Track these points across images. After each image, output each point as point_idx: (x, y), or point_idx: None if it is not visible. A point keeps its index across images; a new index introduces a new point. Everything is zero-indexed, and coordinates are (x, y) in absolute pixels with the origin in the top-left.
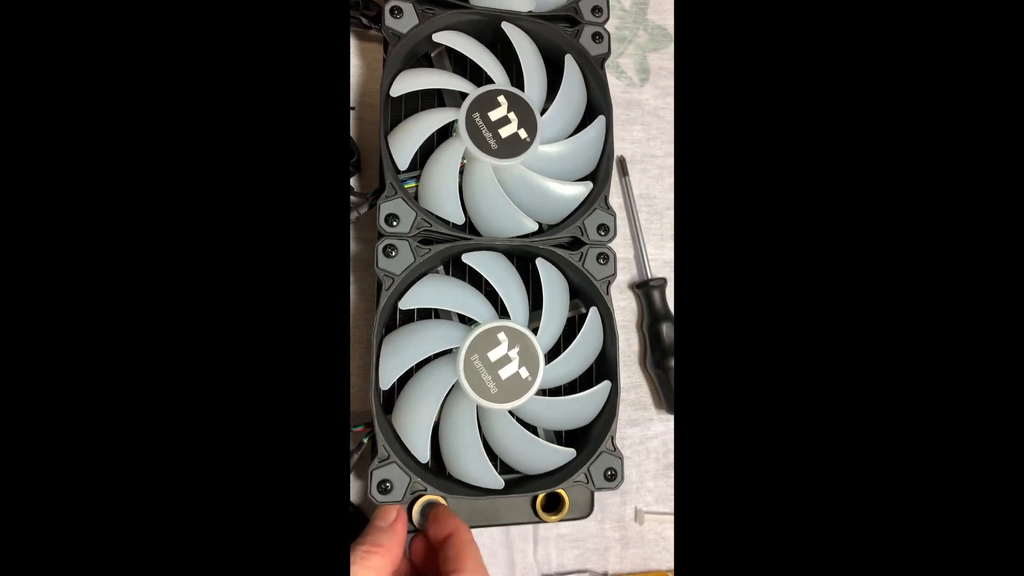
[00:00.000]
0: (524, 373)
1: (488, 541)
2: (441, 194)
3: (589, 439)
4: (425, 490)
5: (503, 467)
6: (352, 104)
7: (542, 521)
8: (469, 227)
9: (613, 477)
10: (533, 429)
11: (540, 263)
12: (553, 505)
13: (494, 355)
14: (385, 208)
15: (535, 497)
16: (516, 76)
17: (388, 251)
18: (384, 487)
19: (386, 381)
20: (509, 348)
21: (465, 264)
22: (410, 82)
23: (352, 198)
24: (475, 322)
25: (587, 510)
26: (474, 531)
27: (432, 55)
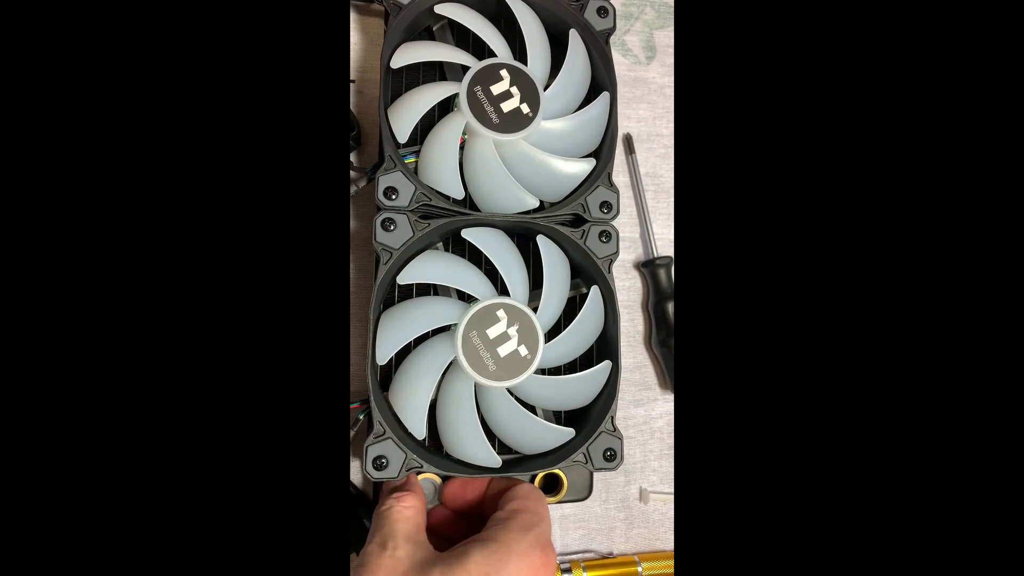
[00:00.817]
0: (523, 351)
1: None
2: (441, 169)
3: (588, 419)
4: (422, 467)
5: (500, 446)
6: (352, 78)
7: None
8: (469, 203)
9: (612, 457)
10: (532, 409)
11: (541, 240)
12: (551, 486)
13: (493, 332)
14: (384, 181)
15: (533, 477)
16: (519, 51)
17: (387, 224)
18: (380, 463)
19: (383, 356)
20: (508, 325)
21: (465, 240)
22: (411, 54)
23: (351, 172)
24: (474, 299)
25: (585, 492)
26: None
27: (434, 28)
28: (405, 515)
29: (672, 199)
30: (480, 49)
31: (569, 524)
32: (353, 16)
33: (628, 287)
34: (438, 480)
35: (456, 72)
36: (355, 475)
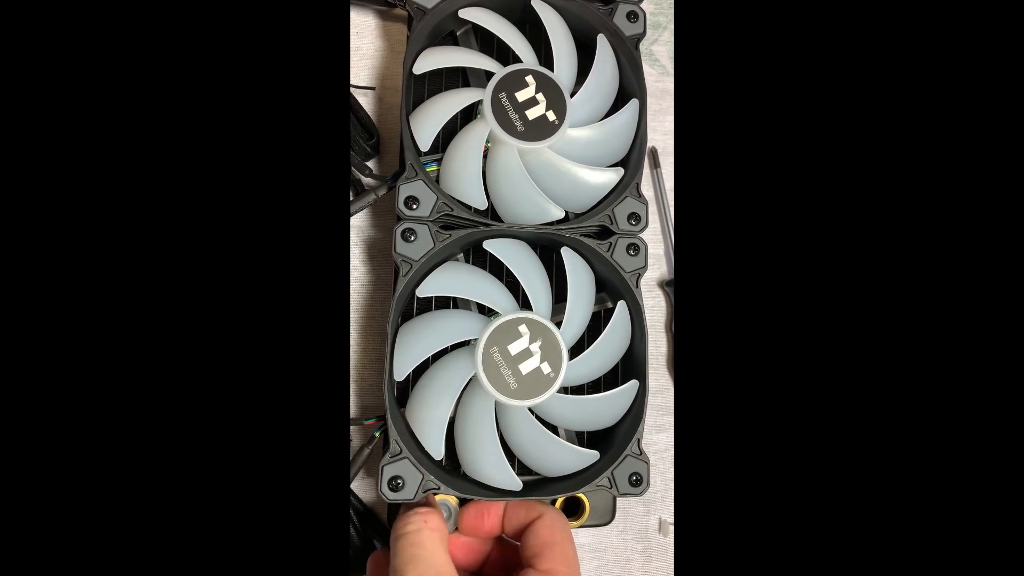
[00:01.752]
0: (546, 368)
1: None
2: (464, 178)
3: (613, 441)
4: (439, 488)
5: (520, 467)
6: (373, 85)
7: None
8: (491, 212)
9: (639, 482)
10: (553, 429)
11: (565, 252)
12: (573, 510)
13: (514, 348)
14: (405, 190)
15: (554, 501)
16: (545, 57)
17: (407, 235)
18: (395, 484)
19: (400, 372)
20: (531, 341)
21: (486, 252)
22: (434, 59)
23: (370, 180)
24: (495, 313)
25: (608, 517)
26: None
27: (458, 33)
28: (432, 538)
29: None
30: (504, 55)
31: (584, 554)
32: (375, 22)
33: (651, 306)
34: (454, 502)
35: (480, 78)
36: (369, 493)
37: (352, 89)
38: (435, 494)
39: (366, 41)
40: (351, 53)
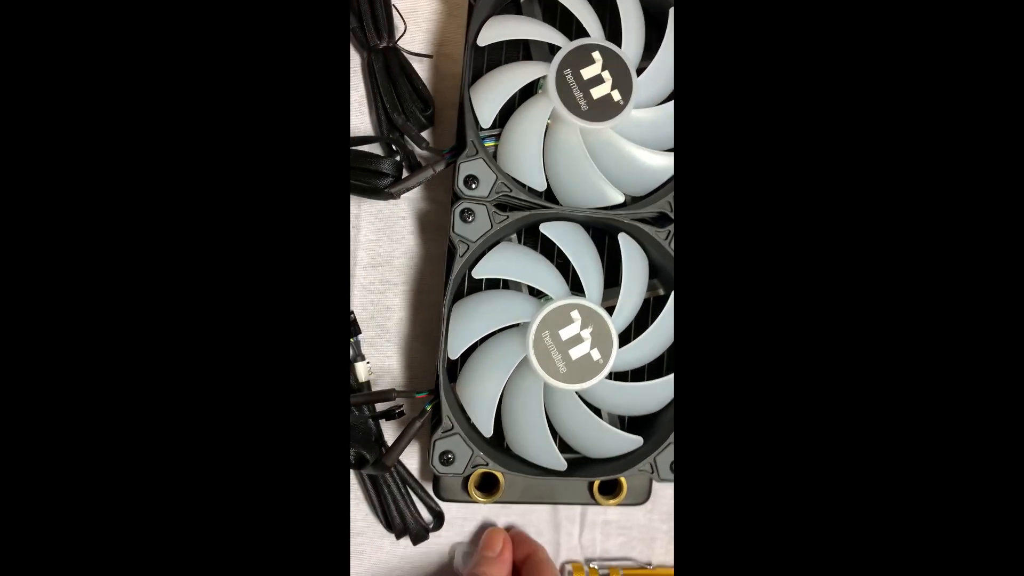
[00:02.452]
0: (596, 355)
1: (535, 520)
2: (524, 158)
3: (655, 427)
4: (487, 464)
5: (562, 445)
6: (430, 53)
7: (597, 504)
8: (547, 192)
9: None
10: (596, 411)
11: (623, 239)
12: (610, 488)
13: (566, 333)
14: (465, 169)
15: (593, 481)
16: (610, 28)
17: (465, 215)
18: (446, 458)
19: (455, 351)
20: (582, 328)
21: (538, 230)
22: (500, 31)
23: (426, 153)
24: (546, 295)
25: (644, 496)
26: (524, 507)
27: (522, 1)
28: None
29: None
30: (568, 23)
31: (612, 530)
32: None
33: None
34: (500, 476)
35: (542, 51)
36: (412, 460)
37: (409, 56)
38: (481, 467)
39: (423, 3)
40: (409, 15)
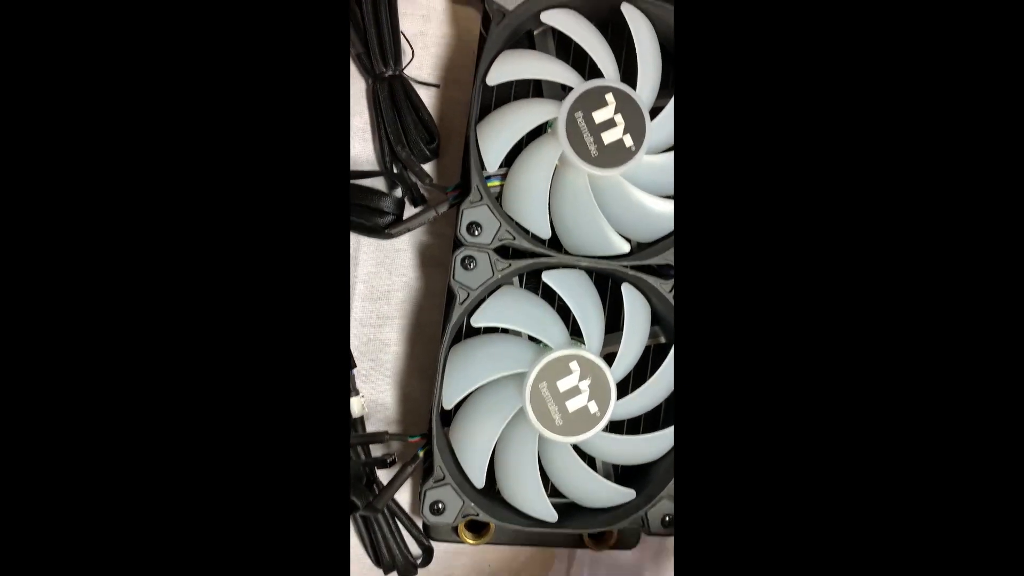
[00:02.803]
0: (593, 407)
1: (523, 555)
2: (530, 204)
3: (648, 480)
4: (478, 515)
5: (552, 490)
6: (437, 82)
7: (586, 548)
8: (551, 237)
9: (671, 523)
10: (590, 460)
11: (626, 290)
12: (601, 535)
13: (563, 385)
14: (468, 215)
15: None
16: (624, 65)
17: (466, 263)
18: (436, 508)
19: (449, 401)
20: (580, 379)
21: (539, 276)
22: (511, 69)
23: (429, 189)
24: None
25: (634, 542)
26: (511, 548)
27: (535, 33)
28: None
29: None
30: (581, 59)
31: (600, 569)
32: (443, 5)
33: None
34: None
35: (554, 87)
36: (403, 494)
37: (415, 84)
38: (473, 518)
39: (432, 27)
40: (416, 39)
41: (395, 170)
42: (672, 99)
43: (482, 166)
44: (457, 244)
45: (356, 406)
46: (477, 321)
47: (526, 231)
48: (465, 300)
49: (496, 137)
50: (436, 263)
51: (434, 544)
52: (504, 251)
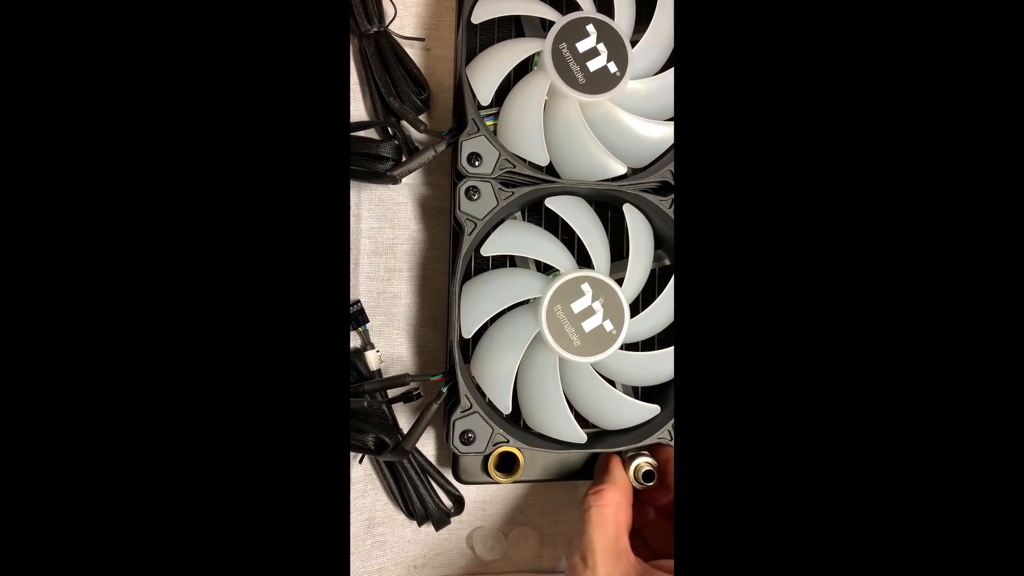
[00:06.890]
0: (608, 326)
1: (554, 498)
2: (525, 133)
3: (670, 396)
4: (508, 441)
5: (578, 418)
6: (422, 36)
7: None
8: (549, 167)
9: None
10: (611, 383)
11: (628, 210)
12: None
13: (577, 306)
14: (467, 147)
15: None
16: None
17: (471, 193)
18: (467, 438)
19: (468, 330)
20: (593, 300)
21: (542, 207)
22: (493, 8)
23: (425, 136)
24: (555, 270)
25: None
26: (543, 487)
27: None
28: (603, 518)
29: None
30: (558, 0)
31: None
32: None
33: None
34: (519, 454)
35: (534, 27)
36: (428, 447)
37: (401, 40)
38: (502, 445)
39: None
40: (397, 0)
41: (389, 121)
42: (650, 27)
43: (476, 103)
44: (460, 178)
45: (373, 359)
46: (487, 251)
47: (525, 161)
48: (472, 231)
49: (486, 73)
50: (437, 212)
51: (464, 494)
52: (506, 185)
